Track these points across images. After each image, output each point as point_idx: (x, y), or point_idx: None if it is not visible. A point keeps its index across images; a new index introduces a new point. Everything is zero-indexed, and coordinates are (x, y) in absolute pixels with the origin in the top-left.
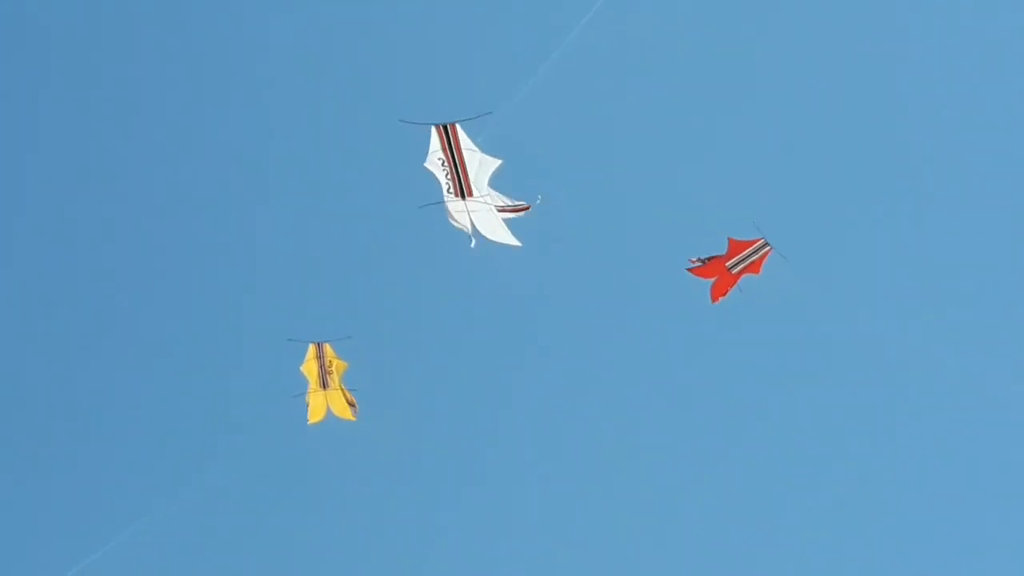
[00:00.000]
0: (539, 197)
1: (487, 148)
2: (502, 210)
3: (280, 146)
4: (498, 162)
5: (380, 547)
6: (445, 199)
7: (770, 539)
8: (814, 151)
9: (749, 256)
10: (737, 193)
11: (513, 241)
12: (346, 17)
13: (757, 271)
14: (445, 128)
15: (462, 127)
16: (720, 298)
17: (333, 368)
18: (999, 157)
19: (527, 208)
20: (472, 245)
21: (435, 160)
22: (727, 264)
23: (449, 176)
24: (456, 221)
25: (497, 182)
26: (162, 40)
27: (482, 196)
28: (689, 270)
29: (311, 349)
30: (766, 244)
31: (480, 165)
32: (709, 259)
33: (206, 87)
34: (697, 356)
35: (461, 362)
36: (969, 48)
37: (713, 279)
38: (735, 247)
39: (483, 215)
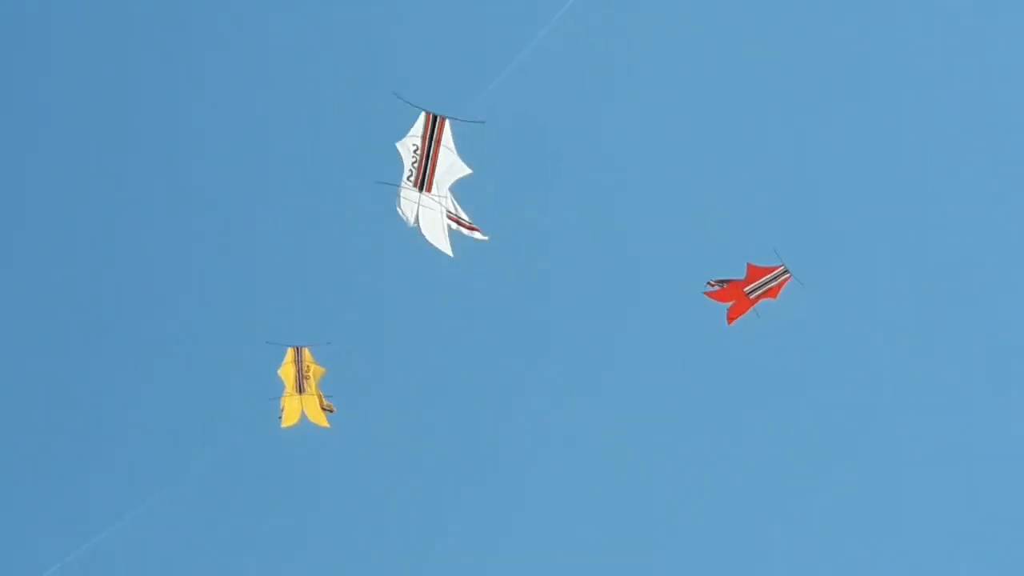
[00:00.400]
0: (487, 237)
1: (472, 149)
2: (452, 218)
3: (259, 140)
4: (468, 171)
5: (350, 552)
6: (402, 184)
7: (781, 557)
8: (833, 171)
9: (768, 282)
10: (755, 215)
11: (447, 251)
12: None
13: (775, 296)
14: (435, 118)
15: (449, 125)
16: (736, 320)
17: (310, 373)
18: None
19: (476, 230)
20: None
21: (409, 144)
22: (745, 289)
23: (416, 164)
24: (402, 209)
25: (495, 188)
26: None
27: (439, 197)
28: (707, 294)
29: (289, 353)
30: (786, 271)
31: (450, 167)
32: (727, 282)
33: (178, 87)
34: (710, 378)
35: (446, 373)
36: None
37: (730, 303)
38: (754, 273)
39: (430, 214)
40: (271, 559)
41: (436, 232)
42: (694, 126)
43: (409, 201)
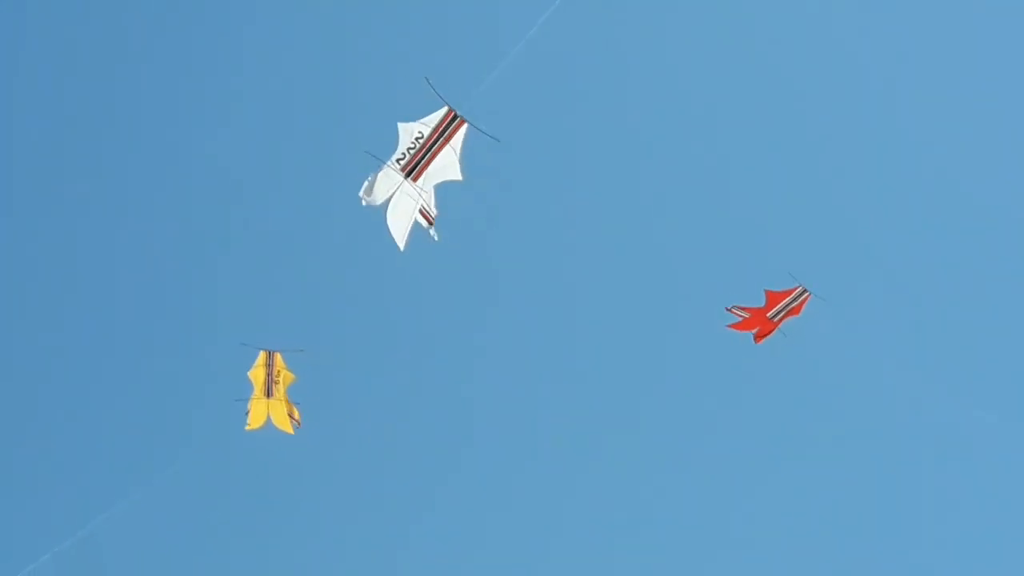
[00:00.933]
0: (436, 236)
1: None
2: (423, 213)
3: (243, 138)
4: (459, 177)
5: (309, 554)
6: (388, 163)
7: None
8: (838, 184)
9: (789, 304)
10: (764, 234)
11: (400, 242)
12: None
13: (798, 312)
14: (455, 116)
15: (465, 128)
16: (764, 339)
17: (280, 378)
18: None
19: (429, 227)
20: (362, 204)
21: (415, 129)
22: (768, 314)
23: (414, 151)
24: (371, 186)
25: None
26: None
27: (421, 190)
28: (730, 326)
29: (261, 356)
30: (805, 291)
31: (445, 167)
32: (747, 309)
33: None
34: (739, 395)
35: (423, 391)
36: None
37: (755, 330)
38: (773, 298)
39: (405, 202)
40: (227, 558)
41: (400, 222)
42: (692, 147)
43: (387, 181)
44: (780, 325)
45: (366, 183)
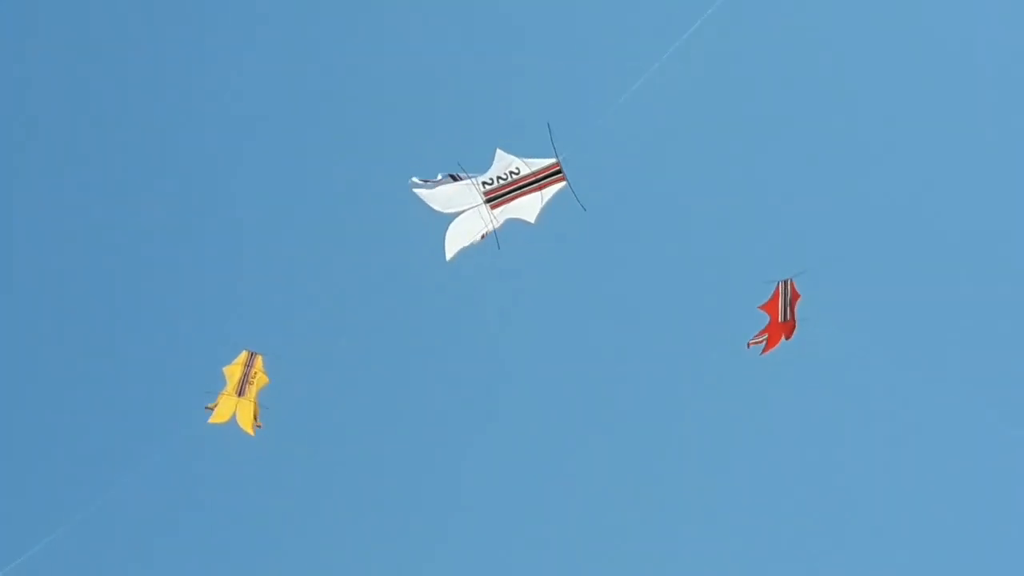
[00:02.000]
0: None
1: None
2: (483, 236)
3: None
4: (532, 221)
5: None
6: (472, 180)
7: None
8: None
9: (787, 300)
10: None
11: (449, 254)
12: None
13: (799, 297)
14: (557, 172)
15: (561, 186)
16: (793, 334)
17: (255, 380)
18: None
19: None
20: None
21: (514, 163)
22: (779, 321)
23: (505, 181)
24: (439, 187)
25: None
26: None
27: (494, 218)
28: (764, 352)
29: (243, 355)
30: (786, 282)
31: (526, 207)
32: (760, 333)
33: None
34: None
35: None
36: None
37: (781, 339)
38: (771, 307)
39: (472, 221)
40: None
41: (461, 237)
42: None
43: (464, 195)
44: (795, 317)
45: (433, 180)
